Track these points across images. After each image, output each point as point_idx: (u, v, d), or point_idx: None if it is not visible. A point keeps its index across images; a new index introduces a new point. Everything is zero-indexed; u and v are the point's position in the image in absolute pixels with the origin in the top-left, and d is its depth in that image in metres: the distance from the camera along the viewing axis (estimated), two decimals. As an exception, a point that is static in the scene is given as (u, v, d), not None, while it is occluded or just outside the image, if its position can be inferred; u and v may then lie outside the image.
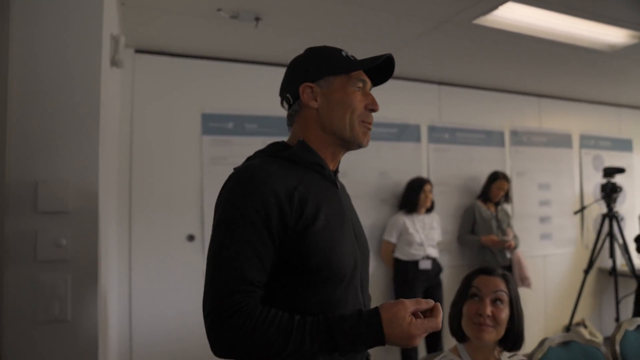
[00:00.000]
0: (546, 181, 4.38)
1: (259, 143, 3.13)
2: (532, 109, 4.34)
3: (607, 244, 3.90)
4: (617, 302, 3.70)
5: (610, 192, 3.70)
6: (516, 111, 4.26)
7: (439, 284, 3.46)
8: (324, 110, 1.04)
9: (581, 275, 4.05)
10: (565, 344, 1.69)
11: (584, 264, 4.47)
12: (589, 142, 4.68)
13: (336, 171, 1.13)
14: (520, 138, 4.26)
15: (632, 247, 3.76)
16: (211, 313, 0.87)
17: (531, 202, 4.28)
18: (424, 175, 3.69)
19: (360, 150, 3.85)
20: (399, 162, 3.65)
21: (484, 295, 1.36)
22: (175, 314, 2.82)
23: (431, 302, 0.92)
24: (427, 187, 3.40)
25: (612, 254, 3.73)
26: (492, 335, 1.33)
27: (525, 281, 3.60)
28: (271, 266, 0.93)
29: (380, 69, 1.10)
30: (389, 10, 2.33)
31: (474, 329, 1.33)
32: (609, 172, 3.82)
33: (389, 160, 3.60)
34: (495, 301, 1.35)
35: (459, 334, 1.40)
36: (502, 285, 1.36)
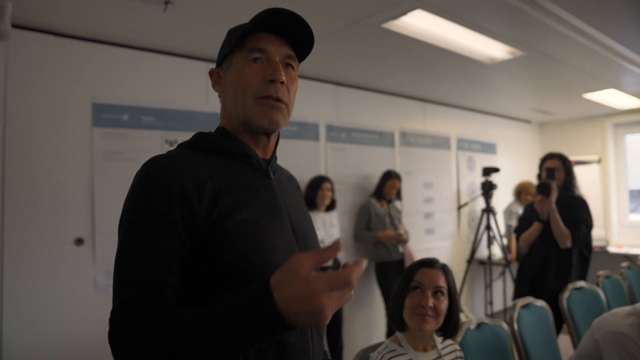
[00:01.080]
0: (430, 180, 4.74)
1: (157, 137, 3.00)
2: (419, 113, 4.66)
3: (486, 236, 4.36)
4: (490, 287, 4.15)
5: (488, 190, 4.13)
6: (405, 114, 4.54)
7: (338, 280, 3.54)
8: (225, 95, 0.97)
9: (459, 264, 4.45)
10: (478, 326, 1.84)
11: (461, 255, 4.96)
12: (464, 144, 5.17)
13: (270, 159, 1.00)
14: (408, 139, 4.55)
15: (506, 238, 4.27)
16: (110, 321, 0.77)
17: (417, 199, 4.60)
18: (323, 173, 3.76)
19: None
20: (299, 160, 3.67)
21: (426, 288, 1.41)
22: (59, 332, 2.48)
23: (330, 248, 0.68)
24: (325, 185, 3.46)
25: (489, 245, 4.17)
26: (433, 325, 1.39)
27: (415, 273, 3.84)
28: (182, 266, 0.80)
29: (294, 33, 0.94)
30: (307, 6, 2.32)
31: (416, 319, 1.39)
32: (487, 171, 4.26)
33: (289, 158, 3.59)
34: (436, 293, 1.42)
35: (400, 324, 1.44)
36: (442, 278, 1.43)
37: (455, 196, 5.03)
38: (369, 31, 2.68)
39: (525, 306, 2.17)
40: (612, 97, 4.74)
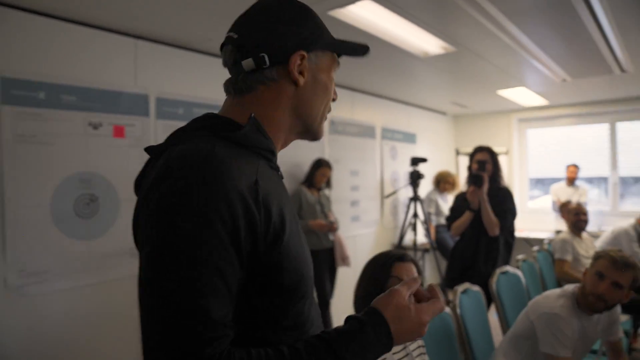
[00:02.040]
0: (356, 168, 4.82)
1: (79, 119, 2.71)
2: (347, 101, 4.70)
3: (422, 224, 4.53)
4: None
5: (416, 179, 4.29)
6: (335, 102, 4.54)
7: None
8: (305, 91, 0.84)
9: (381, 249, 4.60)
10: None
11: (384, 241, 5.13)
12: (388, 134, 5.32)
13: None
14: (337, 127, 4.58)
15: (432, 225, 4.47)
16: None
17: (344, 187, 4.66)
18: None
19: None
20: (232, 146, 3.53)
21: None
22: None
23: (417, 279, 0.81)
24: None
25: (416, 232, 4.35)
26: None
27: (345, 260, 3.92)
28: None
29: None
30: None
31: None
32: (415, 161, 4.42)
33: (222, 144, 3.45)
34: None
35: None
36: (415, 269, 1.44)
37: (379, 184, 5.18)
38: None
39: (464, 292, 2.29)
40: (520, 95, 5.14)
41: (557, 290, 2.04)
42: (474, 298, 2.35)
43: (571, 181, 5.55)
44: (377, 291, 1.41)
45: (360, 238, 4.81)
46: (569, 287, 2.03)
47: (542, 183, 6.52)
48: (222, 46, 0.87)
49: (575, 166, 5.54)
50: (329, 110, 0.92)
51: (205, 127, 0.78)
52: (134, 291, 0.69)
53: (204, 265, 0.63)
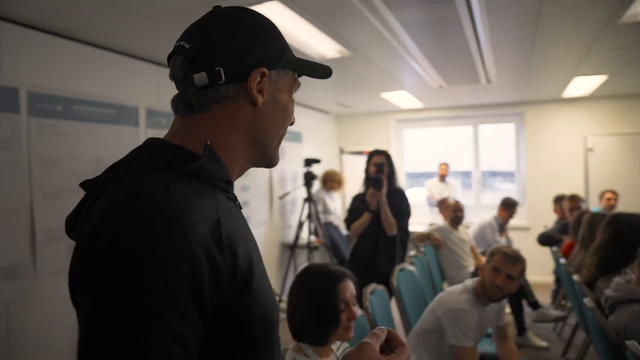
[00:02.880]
0: (247, 168, 4.73)
1: None
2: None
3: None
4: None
5: (309, 180, 4.33)
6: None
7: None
8: (264, 112, 0.75)
9: (272, 249, 4.63)
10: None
11: (274, 241, 5.13)
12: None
13: None
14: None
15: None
16: None
17: (235, 188, 4.53)
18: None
19: (73, 133, 3.24)
20: (117, 148, 3.21)
21: (350, 304, 1.39)
22: None
23: (384, 329, 0.81)
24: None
25: (310, 230, 4.41)
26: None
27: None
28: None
29: None
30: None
31: (344, 332, 1.37)
32: (309, 162, 4.46)
33: (105, 145, 3.12)
34: (354, 304, 1.42)
35: (320, 338, 1.38)
36: (353, 285, 1.44)
37: (268, 184, 5.15)
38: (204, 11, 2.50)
39: (372, 292, 2.37)
40: (400, 98, 5.50)
41: (459, 287, 2.22)
42: (380, 297, 2.45)
43: (442, 178, 6.10)
44: (326, 316, 1.37)
45: (253, 239, 4.74)
46: (469, 283, 2.22)
47: (417, 178, 7.08)
48: (170, 56, 0.76)
49: (446, 164, 6.10)
50: (284, 135, 0.83)
51: (155, 159, 0.67)
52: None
53: (161, 334, 0.53)
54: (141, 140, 3.04)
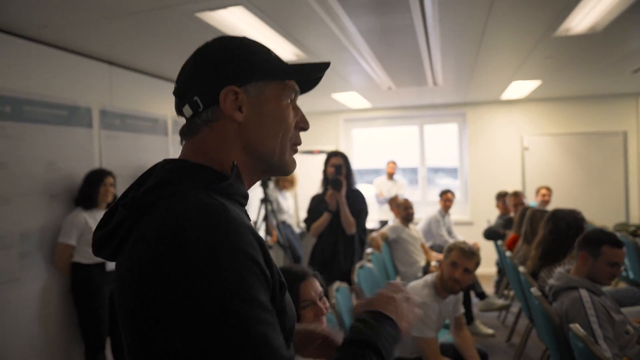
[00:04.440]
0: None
1: None
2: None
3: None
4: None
5: (266, 180, 4.35)
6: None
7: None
8: (250, 126, 0.78)
9: None
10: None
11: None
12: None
13: None
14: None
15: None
16: None
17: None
18: (97, 164, 3.31)
19: (23, 135, 3.14)
20: (70, 150, 3.12)
21: (316, 300, 1.42)
22: None
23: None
24: (108, 180, 3.07)
25: (267, 231, 4.44)
26: None
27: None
28: None
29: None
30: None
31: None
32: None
33: (58, 148, 3.02)
34: (321, 299, 1.45)
35: None
36: (318, 282, 1.47)
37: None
38: (178, 17, 2.49)
39: (337, 290, 2.47)
40: (350, 98, 5.64)
41: (420, 282, 2.36)
42: (344, 294, 2.56)
43: (390, 175, 6.31)
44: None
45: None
46: (428, 277, 2.37)
47: (365, 175, 7.27)
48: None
49: (394, 162, 6.31)
50: (295, 142, 0.85)
51: (189, 179, 0.73)
52: None
53: (262, 320, 0.62)
54: (95, 142, 2.98)
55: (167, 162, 0.78)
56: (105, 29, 2.70)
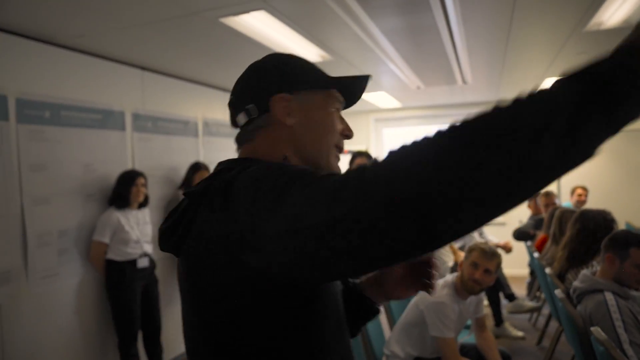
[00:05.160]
0: (231, 169, 4.79)
1: None
2: (221, 102, 4.65)
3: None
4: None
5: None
6: (208, 103, 4.47)
7: (155, 281, 3.35)
8: (300, 130, 0.86)
9: None
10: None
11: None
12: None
13: None
14: (211, 129, 4.50)
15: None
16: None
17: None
18: (130, 166, 3.45)
19: (60, 138, 3.27)
20: (105, 152, 3.26)
21: None
22: None
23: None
24: (139, 181, 3.20)
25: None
26: None
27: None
28: None
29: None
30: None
31: None
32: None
33: (94, 150, 3.17)
34: None
35: None
36: None
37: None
38: (203, 23, 2.57)
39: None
40: (379, 98, 5.63)
41: (440, 282, 2.35)
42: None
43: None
44: None
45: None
46: (449, 278, 2.36)
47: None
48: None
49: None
50: (341, 146, 0.91)
51: (246, 166, 0.80)
52: None
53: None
54: (128, 144, 3.10)
55: (223, 162, 0.86)
56: (137, 36, 2.82)
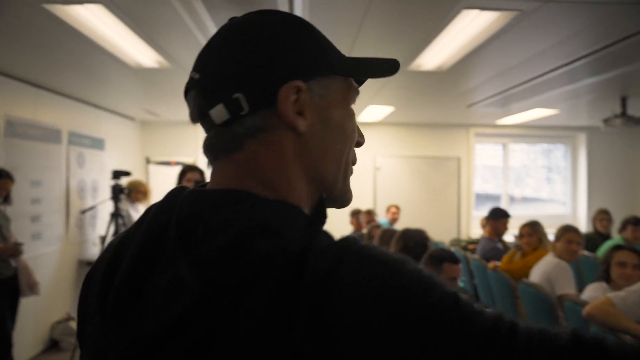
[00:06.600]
0: (38, 178, 4.12)
1: None
2: (29, 100, 3.97)
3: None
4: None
5: (118, 193, 3.98)
6: (12, 99, 3.78)
7: None
8: (313, 140, 0.55)
9: (69, 267, 4.22)
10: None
11: (70, 258, 4.60)
12: (75, 139, 4.75)
13: None
14: (16, 130, 3.82)
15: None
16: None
17: (24, 200, 3.91)
18: None
19: None
20: None
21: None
22: None
23: None
24: None
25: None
26: None
27: (34, 288, 3.34)
28: None
29: None
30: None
31: None
32: (117, 174, 4.10)
33: None
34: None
35: None
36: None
37: (64, 195, 4.57)
38: (22, 6, 2.17)
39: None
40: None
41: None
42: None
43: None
44: None
45: (42, 259, 4.13)
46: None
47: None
48: (186, 93, 0.58)
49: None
50: (354, 162, 0.63)
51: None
52: None
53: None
54: None
55: (221, 196, 0.51)
56: None
